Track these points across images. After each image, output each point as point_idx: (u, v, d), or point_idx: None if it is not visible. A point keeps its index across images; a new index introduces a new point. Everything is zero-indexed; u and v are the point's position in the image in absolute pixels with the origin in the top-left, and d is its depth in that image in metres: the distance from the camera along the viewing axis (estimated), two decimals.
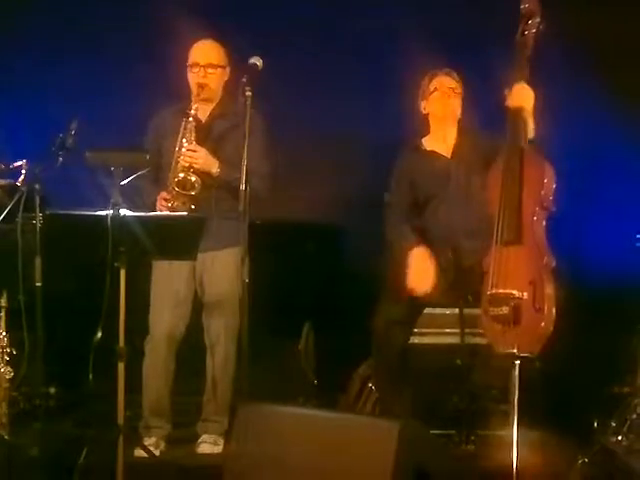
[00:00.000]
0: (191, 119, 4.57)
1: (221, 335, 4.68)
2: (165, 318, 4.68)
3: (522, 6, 4.39)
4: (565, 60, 5.32)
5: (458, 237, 4.62)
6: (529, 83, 4.34)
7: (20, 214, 4.51)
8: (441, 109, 4.70)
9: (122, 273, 4.15)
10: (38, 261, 4.43)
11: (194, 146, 4.57)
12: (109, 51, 5.76)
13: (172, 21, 5.37)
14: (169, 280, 4.68)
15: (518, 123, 4.32)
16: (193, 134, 4.58)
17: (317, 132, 5.75)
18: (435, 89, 4.68)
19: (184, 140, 4.57)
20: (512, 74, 4.37)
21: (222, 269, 4.64)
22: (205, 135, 4.65)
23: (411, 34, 5.56)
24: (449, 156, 4.73)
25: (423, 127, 4.78)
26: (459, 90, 4.68)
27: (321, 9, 5.77)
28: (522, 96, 4.33)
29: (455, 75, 4.70)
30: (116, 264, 4.14)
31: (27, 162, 4.56)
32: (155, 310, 4.69)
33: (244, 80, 4.28)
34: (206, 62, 4.65)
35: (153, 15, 5.65)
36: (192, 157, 4.56)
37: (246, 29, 5.56)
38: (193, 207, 4.54)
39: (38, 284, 4.45)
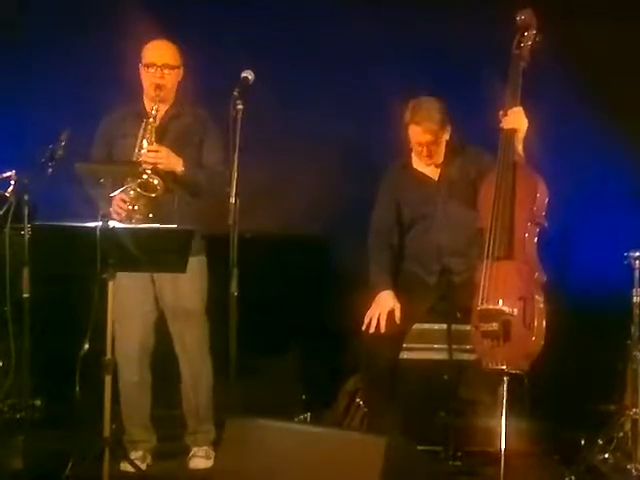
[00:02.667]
0: (152, 119, 4.53)
1: (187, 345, 4.66)
2: (134, 330, 4.64)
3: (518, 18, 4.40)
4: (557, 76, 5.33)
5: (447, 256, 4.62)
6: (523, 98, 4.35)
7: (8, 225, 4.48)
8: (418, 158, 4.67)
9: (110, 285, 4.14)
10: (26, 272, 4.41)
11: (156, 146, 4.51)
12: (102, 62, 5.74)
13: (162, 29, 5.37)
14: (130, 293, 4.59)
15: (511, 143, 4.33)
16: (154, 134, 4.53)
17: (304, 144, 5.74)
18: (410, 139, 4.61)
19: (144, 141, 4.52)
20: (507, 92, 4.38)
21: (181, 280, 4.55)
22: (162, 136, 4.59)
23: (401, 48, 5.58)
24: (436, 178, 4.70)
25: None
26: (432, 139, 4.56)
27: (309, 23, 5.77)
28: (517, 119, 4.33)
29: (426, 121, 4.53)
30: (104, 276, 4.12)
31: (16, 173, 4.54)
32: (121, 324, 4.55)
33: (235, 93, 4.27)
34: (162, 62, 4.61)
35: (142, 27, 5.65)
36: (155, 157, 4.49)
37: (236, 41, 5.56)
38: (150, 216, 4.47)
39: (26, 295, 4.42)
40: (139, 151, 4.51)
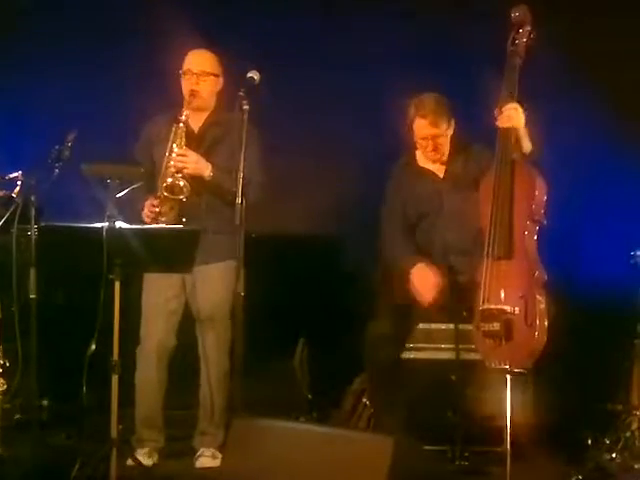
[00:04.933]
0: (181, 124, 4.57)
1: (213, 348, 4.67)
2: (156, 329, 4.67)
3: (513, 15, 4.39)
4: (557, 72, 5.33)
5: (453, 254, 4.62)
6: (520, 95, 4.34)
7: (15, 225, 4.50)
8: (424, 154, 4.68)
9: (117, 285, 4.15)
10: (33, 272, 4.42)
11: (184, 150, 4.56)
12: (107, 63, 5.75)
13: (169, 34, 5.37)
14: (159, 291, 4.67)
15: (508, 142, 4.31)
16: (184, 139, 4.57)
17: (312, 144, 5.75)
18: (415, 134, 4.63)
19: (174, 145, 4.56)
20: (502, 88, 4.37)
21: (214, 283, 4.63)
22: (198, 143, 4.65)
23: (405, 48, 5.59)
24: (442, 175, 4.70)
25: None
26: (438, 132, 4.58)
27: (318, 23, 5.78)
28: (512, 117, 4.30)
29: (432, 114, 4.56)
30: (111, 276, 4.13)
31: (23, 173, 4.55)
32: (146, 321, 4.68)
33: (241, 94, 4.28)
34: (199, 69, 4.67)
35: (150, 28, 5.66)
36: (182, 161, 4.54)
37: (244, 43, 5.56)
38: (184, 219, 4.52)
39: (32, 296, 4.43)
40: (169, 155, 4.55)
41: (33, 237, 4.42)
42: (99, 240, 4.05)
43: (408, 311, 4.52)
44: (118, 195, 4.41)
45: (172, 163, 4.53)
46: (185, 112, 4.58)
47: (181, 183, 4.51)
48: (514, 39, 4.37)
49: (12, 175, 4.58)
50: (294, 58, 5.74)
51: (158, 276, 4.61)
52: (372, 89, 5.61)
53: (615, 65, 5.45)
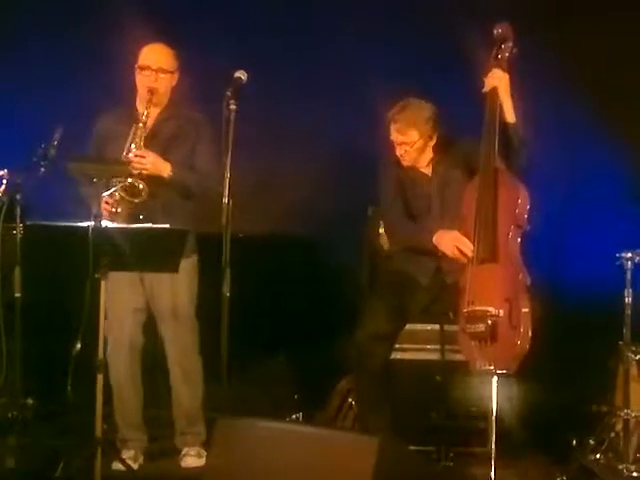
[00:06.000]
0: (141, 124, 4.54)
1: (174, 348, 4.66)
2: (120, 326, 4.63)
3: (495, 31, 4.46)
4: (539, 72, 5.34)
5: (442, 254, 4.62)
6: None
7: (0, 224, 4.47)
8: (403, 159, 4.69)
9: (102, 285, 4.14)
10: (18, 271, 4.41)
11: (143, 151, 4.52)
12: (95, 59, 5.74)
13: (147, 28, 5.36)
14: (121, 289, 4.59)
15: (494, 106, 4.34)
16: (142, 140, 4.54)
17: (297, 144, 5.75)
18: (393, 140, 4.63)
19: (133, 145, 4.52)
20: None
21: (172, 281, 4.57)
22: (152, 139, 4.60)
23: (394, 50, 5.59)
24: (429, 173, 4.71)
25: None
26: (405, 139, 4.57)
27: (303, 21, 5.78)
28: (495, 77, 4.37)
29: (402, 122, 4.56)
30: (96, 275, 4.12)
31: (8, 172, 4.53)
32: (113, 319, 4.56)
33: (228, 93, 4.27)
34: (157, 66, 4.62)
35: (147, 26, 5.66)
36: (140, 162, 4.50)
37: (231, 41, 5.56)
38: (141, 217, 4.47)
39: (17, 295, 4.42)
40: (127, 154, 4.51)
41: (18, 236, 4.40)
42: (85, 239, 4.04)
43: (397, 312, 4.51)
44: (103, 194, 4.40)
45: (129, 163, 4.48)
46: (145, 112, 4.55)
47: (140, 186, 4.47)
48: (497, 54, 4.44)
49: None
50: (280, 56, 5.73)
51: (116, 278, 4.43)
52: (363, 88, 5.60)
53: (597, 64, 5.47)
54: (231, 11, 5.82)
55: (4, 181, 4.53)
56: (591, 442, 4.55)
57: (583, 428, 4.64)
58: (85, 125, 4.80)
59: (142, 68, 4.63)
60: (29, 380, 4.68)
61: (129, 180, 4.47)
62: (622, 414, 4.49)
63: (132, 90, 4.71)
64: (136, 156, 4.50)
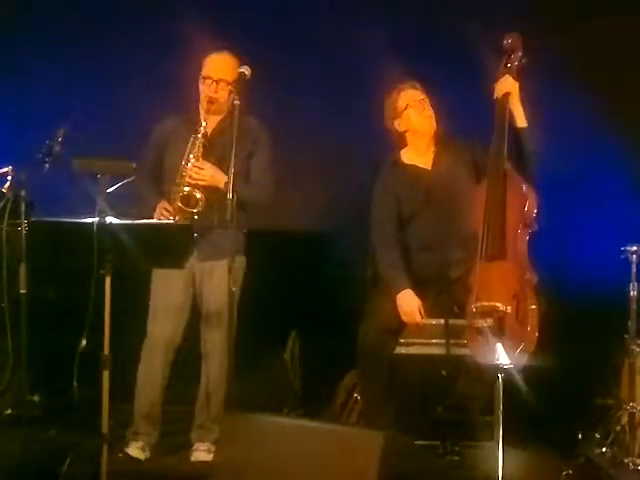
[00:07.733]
0: (200, 135, 4.58)
1: (217, 345, 4.64)
2: (164, 325, 4.67)
3: (505, 41, 4.51)
4: (557, 73, 5.34)
5: (445, 248, 4.63)
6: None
7: (5, 221, 4.49)
8: (419, 124, 4.70)
9: (107, 281, 4.13)
10: (23, 268, 4.41)
11: (201, 163, 4.56)
12: (98, 58, 5.74)
13: (163, 30, 5.38)
14: (167, 287, 4.66)
15: (504, 112, 4.41)
16: (201, 150, 4.58)
17: (304, 139, 5.74)
18: (407, 105, 4.69)
19: (191, 156, 4.57)
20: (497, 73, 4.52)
21: (221, 280, 4.55)
22: (210, 148, 4.63)
23: (399, 48, 5.58)
24: (430, 168, 4.73)
25: (399, 142, 4.79)
26: (425, 95, 4.70)
27: (309, 17, 5.78)
28: (507, 84, 4.45)
29: (419, 86, 4.73)
30: (101, 272, 4.13)
31: (13, 168, 4.54)
32: (154, 316, 4.67)
33: (232, 88, 4.27)
34: (218, 77, 4.62)
35: (142, 25, 5.66)
36: (199, 174, 4.55)
37: (238, 37, 5.55)
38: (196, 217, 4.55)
39: (23, 291, 4.42)
40: (185, 164, 4.56)
41: (23, 232, 4.41)
42: (90, 235, 4.04)
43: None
44: (109, 190, 4.41)
45: (188, 174, 4.54)
46: (204, 123, 4.58)
47: (198, 195, 4.53)
48: (506, 64, 4.51)
49: (2, 170, 4.57)
50: (286, 52, 5.71)
51: (166, 273, 4.60)
52: (368, 85, 5.59)
53: (602, 62, 5.46)
54: (238, 4, 5.82)
55: (9, 178, 4.54)
56: (597, 436, 4.56)
57: (589, 421, 4.65)
58: (90, 123, 4.81)
59: (204, 78, 4.65)
60: (35, 376, 4.70)
61: (186, 189, 4.53)
62: (628, 407, 4.49)
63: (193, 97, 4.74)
64: (194, 166, 4.54)
